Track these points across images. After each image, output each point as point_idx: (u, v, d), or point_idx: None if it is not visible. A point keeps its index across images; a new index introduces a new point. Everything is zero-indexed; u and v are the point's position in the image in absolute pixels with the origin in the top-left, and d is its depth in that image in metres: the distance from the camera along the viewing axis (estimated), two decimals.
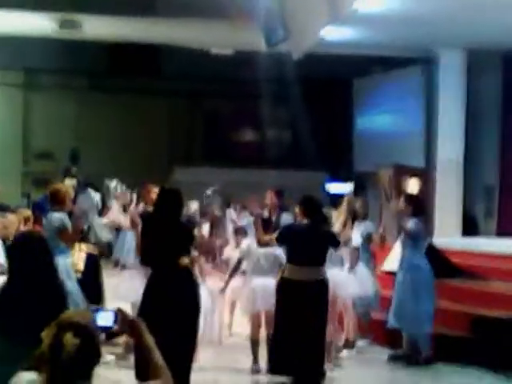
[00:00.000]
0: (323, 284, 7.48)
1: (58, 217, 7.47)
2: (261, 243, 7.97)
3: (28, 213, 8.82)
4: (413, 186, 9.61)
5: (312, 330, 7.33)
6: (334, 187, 16.74)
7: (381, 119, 17.52)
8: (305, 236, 7.54)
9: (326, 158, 17.84)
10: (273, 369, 7.54)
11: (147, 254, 6.84)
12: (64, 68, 18.12)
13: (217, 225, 10.03)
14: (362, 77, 17.97)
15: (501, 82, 14.76)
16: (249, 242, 8.26)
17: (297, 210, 7.89)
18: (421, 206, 8.66)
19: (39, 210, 10.28)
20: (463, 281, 10.08)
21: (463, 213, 14.15)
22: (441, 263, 9.99)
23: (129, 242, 9.08)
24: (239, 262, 8.35)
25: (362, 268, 9.03)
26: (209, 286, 8.08)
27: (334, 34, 13.35)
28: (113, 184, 9.63)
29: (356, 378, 7.70)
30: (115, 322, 2.82)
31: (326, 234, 7.73)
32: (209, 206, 11.00)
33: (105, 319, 2.81)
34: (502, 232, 13.77)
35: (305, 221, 7.63)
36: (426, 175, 14.17)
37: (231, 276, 8.45)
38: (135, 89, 18.99)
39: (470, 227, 14.24)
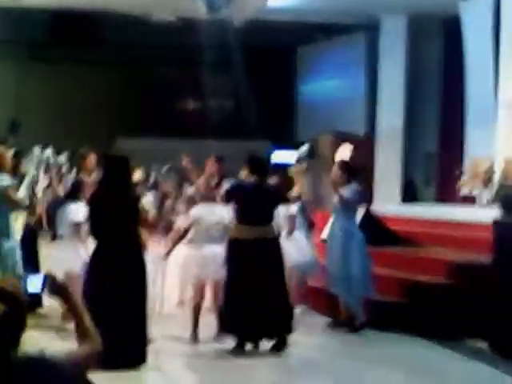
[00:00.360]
0: (273, 242, 7.50)
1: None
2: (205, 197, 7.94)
3: None
4: (343, 152, 9.55)
5: (268, 288, 7.33)
6: (278, 156, 16.73)
7: (324, 87, 17.53)
8: (253, 194, 7.52)
9: (269, 127, 17.80)
10: (225, 330, 7.51)
11: (97, 226, 6.80)
12: (3, 38, 17.70)
13: (168, 200, 10.00)
14: (305, 44, 17.93)
15: (442, 48, 14.84)
16: (199, 209, 8.09)
17: (243, 171, 7.88)
18: (354, 173, 8.62)
19: None
20: (399, 247, 10.17)
21: (403, 180, 14.27)
22: (378, 230, 10.09)
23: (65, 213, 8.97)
24: (188, 228, 8.13)
25: (299, 235, 9.08)
26: (152, 256, 7.95)
27: (277, 1, 13.28)
28: (47, 152, 9.46)
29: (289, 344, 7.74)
30: (44, 286, 2.84)
31: (273, 191, 7.74)
32: (164, 183, 10.95)
33: (34, 284, 2.82)
34: (441, 199, 13.93)
35: (252, 179, 7.58)
36: (366, 142, 14.24)
37: (176, 242, 8.25)
38: (75, 58, 18.65)
39: (409, 194, 14.37)
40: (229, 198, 7.66)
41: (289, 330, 7.54)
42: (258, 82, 17.44)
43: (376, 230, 9.87)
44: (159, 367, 6.94)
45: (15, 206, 7.70)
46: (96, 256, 6.82)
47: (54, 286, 2.90)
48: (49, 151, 9.24)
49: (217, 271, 7.70)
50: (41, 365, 2.61)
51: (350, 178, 8.45)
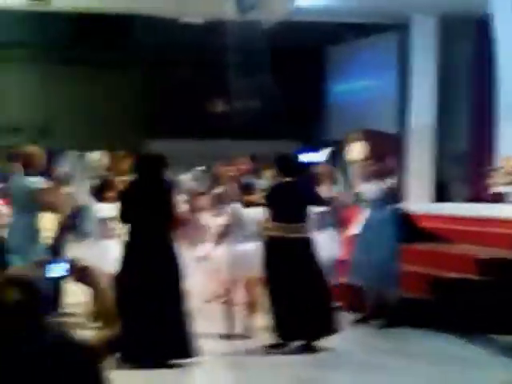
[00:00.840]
0: (308, 241, 7.49)
1: (32, 180, 7.44)
2: (248, 203, 7.93)
3: None
4: (355, 150, 9.50)
5: (310, 288, 7.35)
6: (307, 156, 16.70)
7: (354, 87, 17.47)
8: (286, 194, 7.53)
9: (299, 127, 17.79)
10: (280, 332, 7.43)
11: (129, 221, 6.92)
12: (28, 41, 17.88)
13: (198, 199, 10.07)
14: (335, 44, 17.89)
15: (473, 47, 14.72)
16: (236, 206, 8.07)
17: (268, 172, 7.92)
18: (385, 170, 8.61)
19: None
20: (429, 244, 10.10)
21: (435, 179, 14.18)
22: (409, 228, 10.02)
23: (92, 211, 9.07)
24: (227, 226, 8.08)
25: (329, 231, 9.07)
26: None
27: (307, 1, 13.28)
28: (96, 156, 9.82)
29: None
30: (69, 271, 2.89)
31: (308, 191, 7.74)
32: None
33: (58, 270, 2.88)
34: (474, 198, 13.78)
35: (285, 179, 7.59)
36: (397, 140, 14.18)
37: (219, 242, 8.21)
38: (102, 61, 18.76)
39: (442, 193, 14.27)
40: (270, 199, 7.66)
41: (333, 330, 7.51)
42: (288, 82, 17.45)
43: (407, 228, 9.80)
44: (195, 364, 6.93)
45: (50, 207, 7.76)
46: (129, 250, 6.87)
47: (77, 270, 2.93)
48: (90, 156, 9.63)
49: (251, 269, 7.69)
50: (64, 346, 2.61)
51: (380, 174, 8.43)
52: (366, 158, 8.98)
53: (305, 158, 16.61)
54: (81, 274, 2.96)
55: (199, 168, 11.82)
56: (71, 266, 2.93)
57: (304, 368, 7.06)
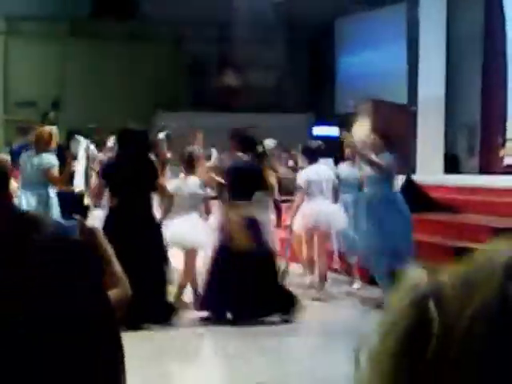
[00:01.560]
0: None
1: (45, 157, 7.93)
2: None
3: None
4: (358, 132, 9.26)
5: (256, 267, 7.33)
6: (320, 129, 16.75)
7: (364, 58, 17.45)
8: (246, 171, 7.55)
9: (311, 100, 17.81)
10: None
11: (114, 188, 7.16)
12: (45, 14, 17.92)
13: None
14: (344, 16, 17.85)
15: (483, 17, 14.66)
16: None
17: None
18: (390, 142, 8.41)
19: (16, 157, 10.48)
20: (441, 214, 10.16)
21: (445, 151, 14.16)
22: (419, 198, 10.10)
23: None
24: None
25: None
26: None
27: None
28: (83, 143, 10.13)
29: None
30: (76, 232, 2.85)
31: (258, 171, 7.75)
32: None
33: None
34: (484, 170, 13.81)
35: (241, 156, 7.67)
36: (407, 111, 14.18)
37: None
38: (118, 34, 18.81)
39: (452, 165, 14.27)
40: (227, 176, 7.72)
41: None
42: (298, 55, 17.48)
43: (417, 198, 9.87)
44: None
45: (57, 183, 8.22)
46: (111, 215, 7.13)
47: (83, 230, 2.99)
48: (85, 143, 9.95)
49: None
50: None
51: (384, 146, 8.25)
52: (371, 133, 8.69)
53: (318, 131, 16.69)
54: (87, 236, 3.00)
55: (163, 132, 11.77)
56: (79, 228, 2.97)
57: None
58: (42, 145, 8.02)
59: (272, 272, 7.53)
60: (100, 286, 0.83)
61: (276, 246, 8.62)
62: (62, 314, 0.72)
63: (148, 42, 19.12)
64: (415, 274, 0.65)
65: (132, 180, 7.07)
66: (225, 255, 7.33)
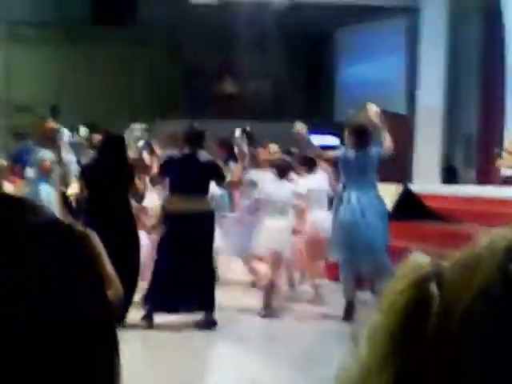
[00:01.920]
0: (208, 215, 7.45)
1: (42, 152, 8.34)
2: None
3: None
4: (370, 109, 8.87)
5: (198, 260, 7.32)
6: (316, 139, 16.69)
7: (363, 69, 17.45)
8: (185, 166, 7.43)
9: (309, 109, 17.78)
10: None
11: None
12: (44, 20, 17.91)
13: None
14: (345, 26, 17.85)
15: (482, 30, 14.69)
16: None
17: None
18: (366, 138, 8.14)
19: (16, 161, 10.46)
20: (436, 223, 10.14)
21: (443, 161, 14.17)
22: (415, 207, 10.08)
23: None
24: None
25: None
26: None
27: None
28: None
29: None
30: None
31: (209, 164, 7.59)
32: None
33: None
34: (482, 181, 13.79)
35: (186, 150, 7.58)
36: (405, 121, 14.18)
37: None
38: (117, 40, 18.80)
39: (449, 175, 14.27)
40: (164, 171, 7.65)
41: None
42: (297, 64, 17.46)
43: (413, 207, 9.86)
44: None
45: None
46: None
47: (76, 233, 2.97)
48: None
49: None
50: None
51: (360, 144, 8.00)
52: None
53: (316, 140, 16.59)
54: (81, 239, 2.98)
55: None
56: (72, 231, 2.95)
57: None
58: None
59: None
60: (100, 285, 0.81)
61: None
62: (61, 313, 0.70)
63: (146, 49, 19.11)
64: (417, 258, 0.65)
65: (109, 181, 7.35)
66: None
